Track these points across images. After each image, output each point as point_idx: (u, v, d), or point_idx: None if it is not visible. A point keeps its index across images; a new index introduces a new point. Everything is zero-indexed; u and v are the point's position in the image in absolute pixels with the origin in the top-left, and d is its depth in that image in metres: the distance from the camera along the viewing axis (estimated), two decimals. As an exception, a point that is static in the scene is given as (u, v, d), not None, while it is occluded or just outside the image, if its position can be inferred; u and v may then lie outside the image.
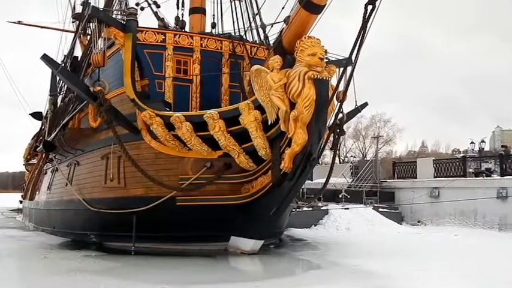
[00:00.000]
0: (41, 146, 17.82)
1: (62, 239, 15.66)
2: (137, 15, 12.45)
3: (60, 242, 15.12)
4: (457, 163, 25.63)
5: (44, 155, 19.58)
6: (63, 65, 15.63)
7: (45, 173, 20.67)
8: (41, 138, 21.35)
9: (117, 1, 19.76)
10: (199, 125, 10.58)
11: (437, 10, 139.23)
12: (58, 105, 18.14)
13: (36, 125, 24.59)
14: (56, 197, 17.54)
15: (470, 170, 25.32)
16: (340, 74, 10.05)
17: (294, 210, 15.99)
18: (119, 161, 12.47)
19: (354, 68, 9.65)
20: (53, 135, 16.07)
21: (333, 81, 9.92)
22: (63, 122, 15.13)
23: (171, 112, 11.20)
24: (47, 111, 19.55)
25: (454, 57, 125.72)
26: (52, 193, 18.24)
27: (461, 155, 37.84)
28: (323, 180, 13.00)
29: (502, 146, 28.70)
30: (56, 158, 17.77)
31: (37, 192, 21.90)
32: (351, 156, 50.30)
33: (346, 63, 9.87)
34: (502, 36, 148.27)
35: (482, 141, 30.40)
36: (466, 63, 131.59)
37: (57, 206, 17.28)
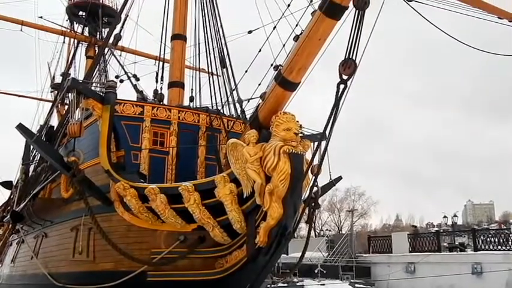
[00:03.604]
0: (8, 216, 17.23)
1: (23, 317, 14.71)
2: (116, 88, 12.66)
3: (20, 320, 14.19)
4: (432, 238, 25.76)
5: (10, 225, 18.86)
6: (38, 134, 15.55)
7: (10, 245, 19.80)
8: (8, 208, 20.68)
9: (97, 73, 20.22)
10: (174, 197, 10.44)
11: (399, 83, 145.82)
12: (29, 175, 17.79)
13: (6, 194, 23.92)
14: (20, 271, 16.71)
15: (445, 245, 25.44)
16: (315, 148, 10.24)
17: (268, 286, 15.56)
18: (89, 233, 12.09)
19: (328, 143, 9.86)
20: (22, 205, 15.60)
21: (308, 155, 10.08)
22: (34, 191, 14.77)
23: (145, 184, 11.08)
24: (18, 180, 19.13)
25: (418, 130, 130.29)
26: (16, 266, 17.38)
27: (435, 229, 38.12)
28: (298, 254, 12.79)
29: (413, 226, 29.67)
30: (22, 229, 17.12)
31: (0, 265, 20.83)
32: (327, 229, 50.12)
33: (320, 137, 10.09)
34: (462, 110, 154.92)
35: (455, 215, 30.90)
36: (430, 135, 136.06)
37: (20, 281, 16.41)
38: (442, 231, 28.95)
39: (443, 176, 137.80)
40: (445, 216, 32.53)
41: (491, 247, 22.74)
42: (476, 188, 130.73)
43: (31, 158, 18.59)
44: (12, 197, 20.75)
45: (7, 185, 22.89)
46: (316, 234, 47.99)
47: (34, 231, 15.96)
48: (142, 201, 10.83)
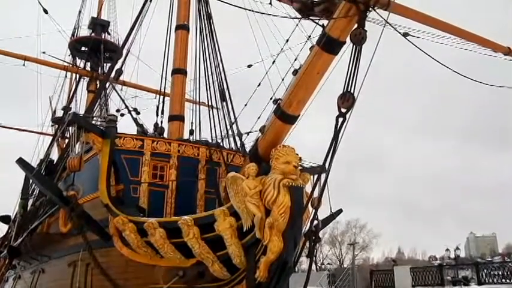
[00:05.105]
0: (5, 251, 17.00)
1: None
2: (117, 122, 12.73)
3: None
4: (434, 271, 25.38)
5: (7, 260, 18.59)
6: (37, 168, 15.53)
7: (7, 281, 19.46)
8: (6, 242, 20.45)
9: (98, 107, 20.38)
10: (173, 231, 10.34)
11: (398, 115, 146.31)
12: (28, 209, 17.67)
13: (3, 228, 23.68)
14: (16, 308, 16.37)
15: (448, 278, 25.04)
16: (315, 181, 10.20)
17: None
18: (86, 268, 11.92)
19: (328, 175, 9.84)
20: (19, 240, 15.43)
21: (308, 188, 10.03)
22: (32, 226, 14.64)
23: (144, 218, 10.99)
24: (16, 215, 18.98)
25: (417, 161, 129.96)
26: (11, 303, 17.04)
27: (438, 262, 37.62)
28: (299, 290, 12.56)
29: (393, 260, 29.34)
30: (19, 265, 16.88)
31: (-5, 302, 20.39)
32: (328, 263, 49.41)
33: (320, 170, 10.07)
34: (460, 141, 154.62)
35: (457, 248, 30.57)
36: (429, 166, 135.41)
37: (15, 318, 16.06)
38: (445, 264, 28.52)
39: (443, 208, 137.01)
40: (447, 249, 32.15)
41: (495, 280, 22.37)
42: (478, 219, 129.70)
43: (30, 192, 18.51)
44: (10, 231, 20.53)
45: (5, 219, 22.69)
46: (317, 268, 47.28)
47: (31, 266, 15.75)
48: (141, 235, 10.72)
